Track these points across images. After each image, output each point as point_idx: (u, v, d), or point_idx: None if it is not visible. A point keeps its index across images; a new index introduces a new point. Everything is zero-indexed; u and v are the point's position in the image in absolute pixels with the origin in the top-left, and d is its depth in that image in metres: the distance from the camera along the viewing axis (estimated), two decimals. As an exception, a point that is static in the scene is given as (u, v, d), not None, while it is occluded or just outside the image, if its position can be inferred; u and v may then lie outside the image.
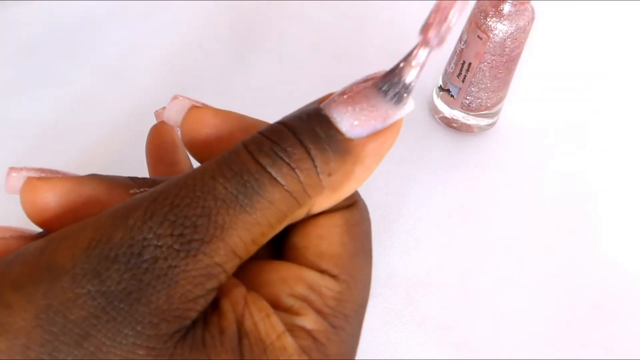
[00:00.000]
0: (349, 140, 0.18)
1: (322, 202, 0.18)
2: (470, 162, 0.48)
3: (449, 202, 0.46)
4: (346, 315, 0.18)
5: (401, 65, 0.18)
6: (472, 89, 0.46)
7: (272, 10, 0.56)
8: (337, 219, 0.19)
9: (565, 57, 0.56)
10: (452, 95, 0.47)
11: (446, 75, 0.47)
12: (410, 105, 0.18)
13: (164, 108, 0.29)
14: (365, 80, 0.18)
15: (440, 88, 0.48)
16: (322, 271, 0.18)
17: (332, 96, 0.18)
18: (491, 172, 0.48)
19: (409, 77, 0.18)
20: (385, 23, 0.57)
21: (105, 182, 0.20)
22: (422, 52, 0.18)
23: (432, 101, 0.50)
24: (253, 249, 0.17)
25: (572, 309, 0.41)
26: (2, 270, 0.16)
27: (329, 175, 0.18)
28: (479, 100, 0.46)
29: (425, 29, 0.18)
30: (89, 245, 0.16)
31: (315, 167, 0.17)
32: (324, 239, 0.19)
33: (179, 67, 0.52)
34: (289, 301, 0.18)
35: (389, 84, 0.18)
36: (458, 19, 0.18)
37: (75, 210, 0.19)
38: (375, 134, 0.18)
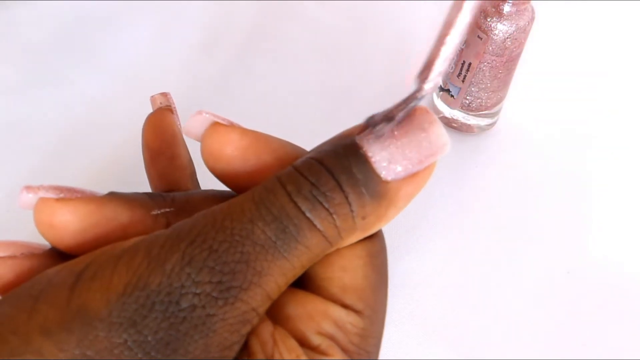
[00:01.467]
0: (386, 183, 0.17)
1: (351, 240, 0.18)
2: (471, 162, 0.48)
3: (449, 202, 0.46)
4: (368, 352, 0.18)
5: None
6: (472, 89, 0.46)
7: (272, 10, 0.56)
8: (359, 251, 0.19)
9: (565, 57, 0.56)
10: (452, 95, 0.47)
11: (446, 75, 0.47)
12: (447, 146, 0.18)
13: (161, 94, 0.29)
14: (404, 119, 0.18)
15: (441, 88, 0.48)
16: (345, 306, 0.18)
17: (368, 130, 0.18)
18: (491, 172, 0.48)
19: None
20: (386, 23, 0.57)
21: (126, 203, 0.19)
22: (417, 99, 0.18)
23: (432, 101, 0.50)
24: (284, 289, 0.17)
25: (572, 309, 0.41)
26: (28, 308, 0.16)
27: (363, 218, 0.17)
28: (479, 100, 0.46)
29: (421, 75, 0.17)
30: (125, 291, 0.15)
31: (352, 211, 0.17)
32: (347, 272, 0.19)
33: (179, 67, 0.52)
34: (316, 339, 0.18)
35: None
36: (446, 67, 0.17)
37: (97, 233, 0.19)
38: (411, 177, 0.18)
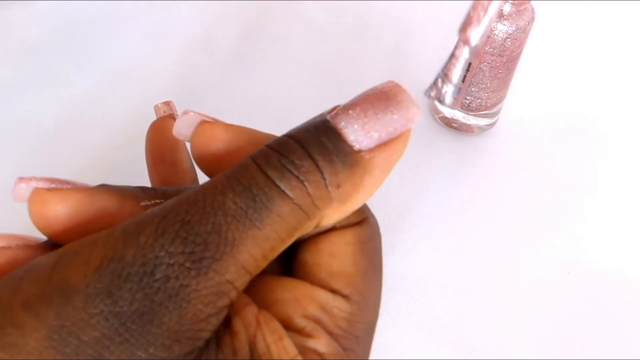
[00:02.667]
0: (357, 151, 0.18)
1: (331, 214, 0.18)
2: (470, 162, 0.48)
3: (448, 202, 0.46)
4: (357, 337, 0.18)
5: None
6: (472, 89, 0.46)
7: (272, 10, 0.56)
8: (348, 236, 0.19)
9: (565, 57, 0.56)
10: (452, 95, 0.47)
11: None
12: (416, 114, 0.18)
13: (164, 103, 0.29)
14: (372, 92, 0.18)
15: (440, 88, 0.48)
16: (333, 291, 0.18)
17: (339, 107, 0.18)
18: (491, 172, 0.48)
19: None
20: (386, 23, 0.57)
21: (116, 194, 0.20)
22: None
23: (433, 101, 0.50)
24: (263, 264, 0.17)
25: (572, 309, 0.41)
26: (13, 287, 0.16)
27: (338, 187, 0.17)
28: (479, 100, 0.46)
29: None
30: (101, 264, 0.16)
31: (324, 179, 0.17)
32: (335, 257, 0.19)
33: (179, 67, 0.52)
34: (301, 322, 0.18)
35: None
36: None
37: (86, 222, 0.19)
38: (384, 145, 0.18)
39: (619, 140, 0.51)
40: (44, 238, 0.20)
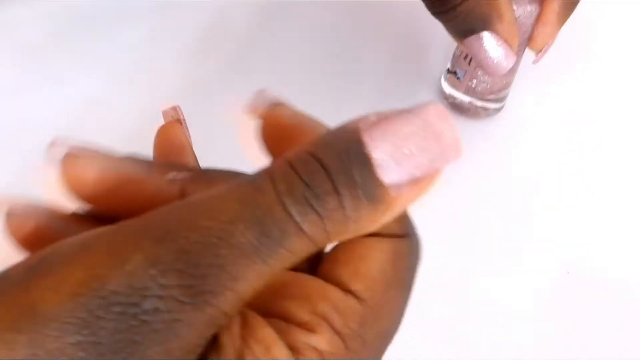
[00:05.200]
0: (386, 187, 0.16)
1: (339, 240, 0.17)
2: (476, 148, 0.47)
3: (450, 196, 0.45)
4: (365, 340, 0.17)
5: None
6: (478, 72, 0.45)
7: (272, 10, 0.55)
8: (384, 245, 0.18)
9: (574, 44, 0.53)
10: (458, 78, 0.46)
11: (454, 58, 0.46)
12: (458, 155, 0.17)
13: (172, 108, 0.29)
14: (415, 118, 0.17)
15: (448, 70, 0.47)
16: (349, 291, 0.18)
17: (375, 124, 0.17)
18: (496, 160, 0.47)
19: None
20: (386, 23, 0.55)
21: (143, 163, 0.20)
22: None
23: (440, 85, 0.49)
24: (260, 290, 0.16)
25: (573, 309, 0.41)
26: None
27: (356, 222, 0.16)
28: (484, 84, 0.45)
29: None
30: (78, 290, 0.14)
31: (345, 215, 0.16)
32: (364, 261, 0.18)
33: (180, 67, 0.52)
34: (305, 316, 0.17)
35: None
36: None
37: (114, 186, 0.19)
38: (414, 183, 0.16)
39: (621, 137, 0.49)
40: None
